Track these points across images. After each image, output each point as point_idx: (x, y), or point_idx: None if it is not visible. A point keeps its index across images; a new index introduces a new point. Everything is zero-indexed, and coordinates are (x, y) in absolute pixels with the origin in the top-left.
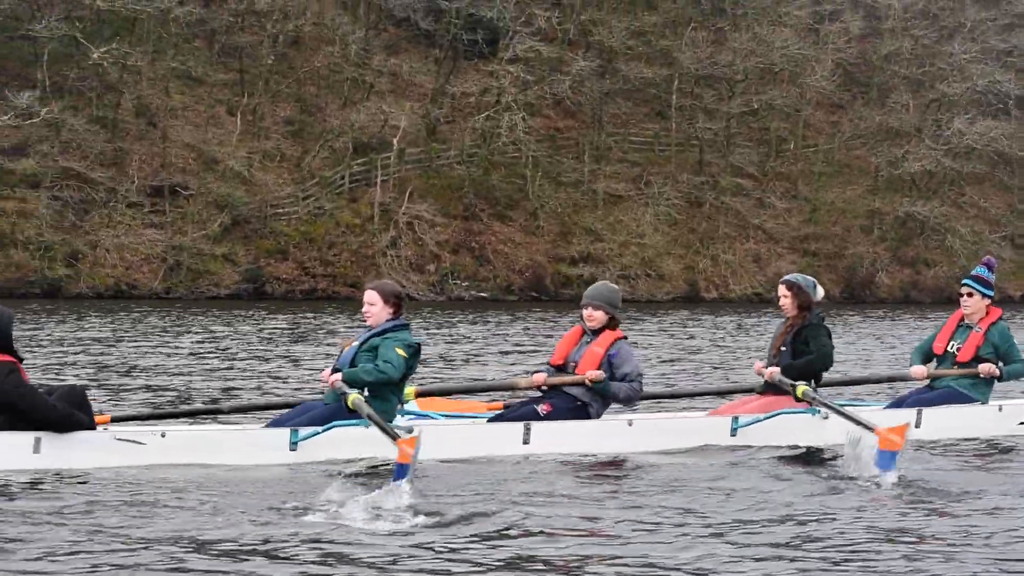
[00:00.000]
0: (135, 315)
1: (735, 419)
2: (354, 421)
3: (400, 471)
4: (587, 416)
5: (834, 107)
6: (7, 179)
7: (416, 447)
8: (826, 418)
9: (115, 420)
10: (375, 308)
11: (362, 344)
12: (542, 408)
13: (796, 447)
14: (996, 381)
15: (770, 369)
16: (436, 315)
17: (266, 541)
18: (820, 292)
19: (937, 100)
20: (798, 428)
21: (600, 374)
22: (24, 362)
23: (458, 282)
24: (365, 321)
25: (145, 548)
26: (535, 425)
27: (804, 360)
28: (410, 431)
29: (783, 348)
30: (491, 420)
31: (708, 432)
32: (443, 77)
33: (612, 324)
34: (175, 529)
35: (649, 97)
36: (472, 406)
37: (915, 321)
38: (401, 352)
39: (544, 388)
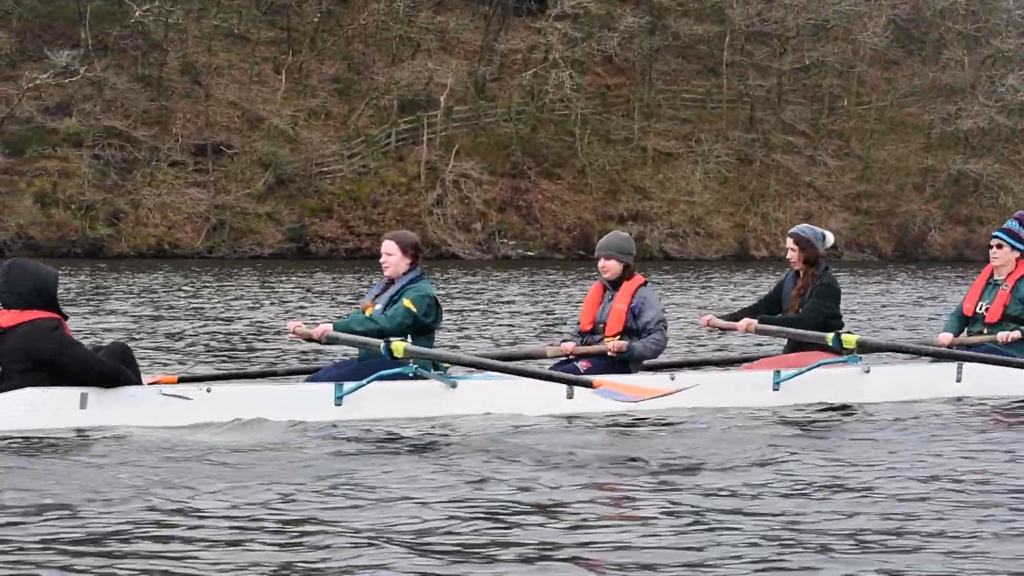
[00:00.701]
0: (177, 274)
1: (776, 373)
2: (398, 369)
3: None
4: (626, 371)
5: (887, 63)
6: (49, 138)
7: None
8: (867, 371)
9: (182, 380)
10: (393, 258)
11: (385, 308)
12: (582, 365)
13: (840, 402)
14: None
15: (746, 320)
16: (482, 273)
17: (305, 500)
18: (829, 240)
19: (991, 56)
20: (840, 380)
21: (622, 345)
22: (68, 319)
23: (505, 241)
24: (384, 271)
25: (188, 502)
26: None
27: (790, 318)
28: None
29: (800, 310)
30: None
31: (750, 387)
32: (491, 34)
33: (628, 273)
34: (219, 485)
35: (700, 54)
36: None
37: (967, 280)
38: (409, 304)
39: (572, 356)
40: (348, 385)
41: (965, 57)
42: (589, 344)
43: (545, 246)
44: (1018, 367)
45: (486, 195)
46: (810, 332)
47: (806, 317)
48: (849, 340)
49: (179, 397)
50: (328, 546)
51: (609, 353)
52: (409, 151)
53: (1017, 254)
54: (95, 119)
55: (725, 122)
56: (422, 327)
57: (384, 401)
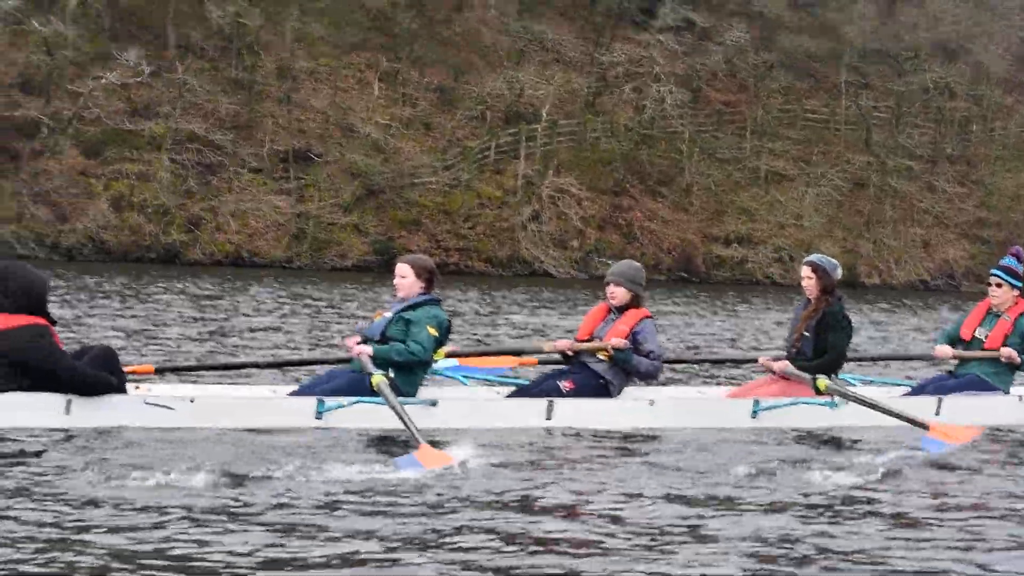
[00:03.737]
0: (252, 283)
1: (756, 402)
2: (379, 400)
3: (408, 463)
4: (608, 394)
5: (1012, 86)
6: (132, 140)
7: (437, 465)
8: (844, 406)
9: (159, 371)
10: (406, 281)
11: (395, 316)
12: (565, 385)
13: (815, 432)
14: (1018, 370)
15: (780, 363)
16: (577, 292)
17: (283, 505)
18: (839, 272)
19: None
20: (818, 416)
21: (624, 341)
22: (56, 325)
23: (603, 260)
24: (396, 293)
25: (168, 507)
26: (558, 402)
27: (814, 364)
28: (434, 448)
29: (806, 333)
30: (512, 395)
31: (729, 413)
32: (596, 46)
33: (635, 302)
34: (198, 490)
35: (813, 72)
36: (503, 361)
37: None
38: (433, 331)
39: (569, 354)
40: (330, 402)
41: None
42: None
43: (645, 266)
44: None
45: (585, 212)
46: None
47: (831, 359)
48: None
49: (162, 407)
50: (316, 552)
51: (610, 348)
52: (507, 163)
53: (1016, 292)
54: (175, 122)
55: (841, 144)
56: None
57: (365, 417)
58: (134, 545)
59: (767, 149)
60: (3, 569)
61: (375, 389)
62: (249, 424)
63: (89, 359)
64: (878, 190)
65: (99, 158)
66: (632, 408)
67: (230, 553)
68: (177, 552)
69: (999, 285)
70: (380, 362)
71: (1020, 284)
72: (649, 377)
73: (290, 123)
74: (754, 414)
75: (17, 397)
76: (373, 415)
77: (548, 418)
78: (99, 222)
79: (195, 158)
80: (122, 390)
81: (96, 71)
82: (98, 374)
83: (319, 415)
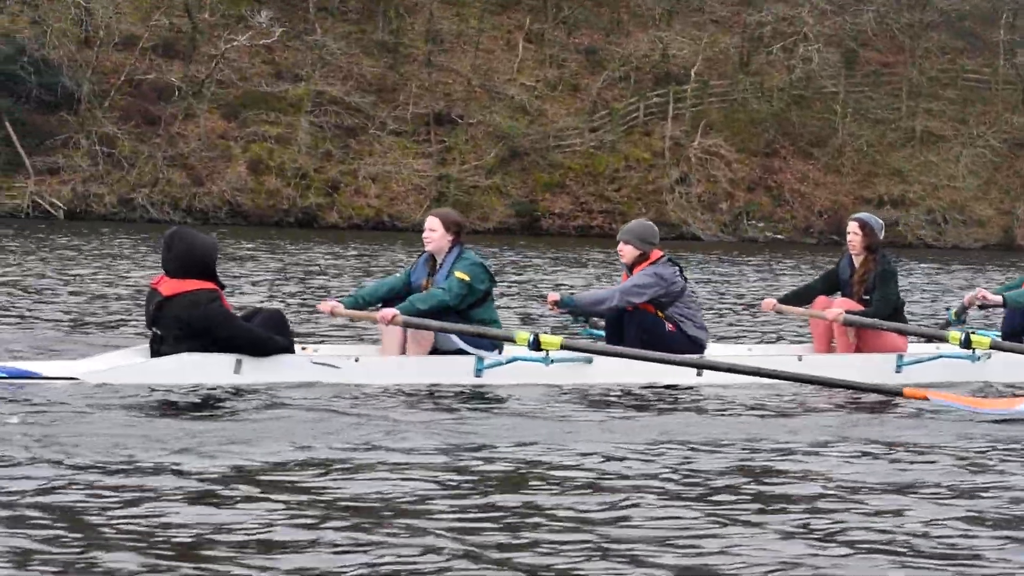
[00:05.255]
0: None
1: (900, 356)
2: (537, 357)
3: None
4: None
5: None
6: (272, 103)
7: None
8: (989, 358)
9: None
10: (435, 234)
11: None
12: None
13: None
14: None
15: (835, 310)
16: (726, 256)
17: (429, 456)
18: (883, 231)
19: None
20: (963, 369)
21: (555, 296)
22: (225, 289)
23: (753, 222)
24: (426, 246)
25: (326, 459)
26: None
27: (868, 315)
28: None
29: (865, 296)
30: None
31: (874, 368)
32: (748, 5)
33: (642, 259)
34: (359, 443)
35: (971, 31)
36: None
37: None
38: (461, 275)
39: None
40: (489, 359)
41: None
42: None
43: (795, 229)
44: None
45: (734, 174)
46: (918, 328)
47: (880, 309)
48: (982, 342)
49: (328, 366)
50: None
51: (548, 303)
52: (656, 125)
53: None
54: (315, 84)
55: (1000, 104)
56: (479, 294)
57: (521, 375)
58: (310, 496)
59: (923, 109)
60: (186, 528)
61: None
62: (411, 381)
63: (260, 321)
64: None
65: (238, 120)
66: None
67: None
68: (351, 505)
69: None
70: (412, 314)
71: None
72: (595, 303)
73: (434, 85)
74: (899, 368)
75: (191, 357)
76: (532, 372)
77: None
78: (235, 185)
79: (334, 121)
80: (290, 351)
81: (230, 34)
82: (269, 335)
83: (478, 373)
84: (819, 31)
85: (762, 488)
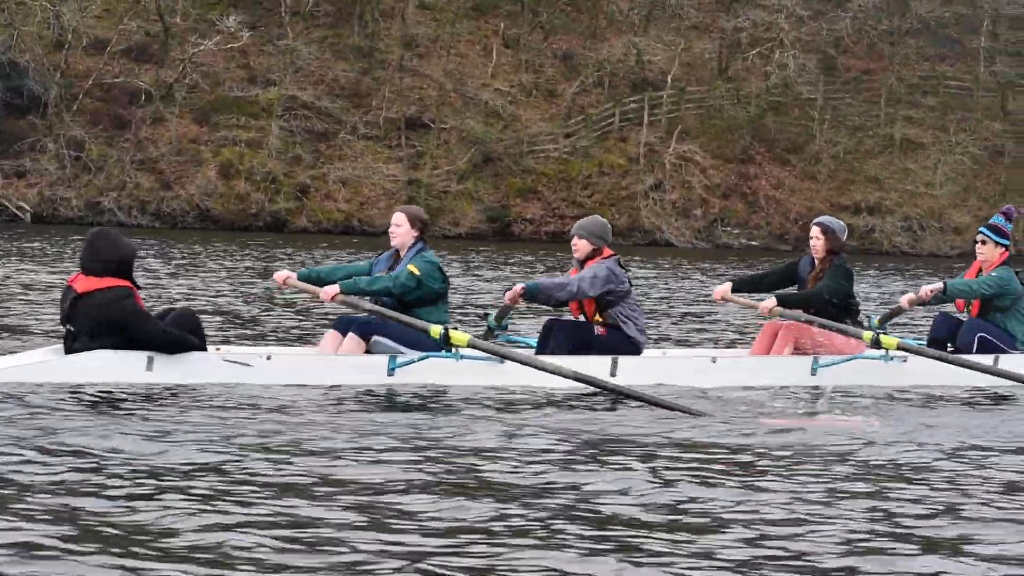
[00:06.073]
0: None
1: (815, 359)
2: (450, 355)
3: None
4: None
5: None
6: (243, 107)
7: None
8: (904, 361)
9: None
10: (401, 229)
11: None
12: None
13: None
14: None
15: (765, 302)
16: (698, 263)
17: (347, 452)
18: (845, 235)
19: None
20: (877, 372)
21: (518, 288)
22: (141, 289)
23: (727, 229)
24: (391, 241)
25: (243, 458)
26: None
27: (802, 294)
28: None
29: None
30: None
31: (790, 371)
32: (727, 11)
33: (595, 254)
34: (271, 441)
35: (946, 38)
36: None
37: None
38: (412, 269)
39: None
40: (402, 358)
41: None
42: None
43: (770, 236)
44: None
45: (709, 180)
46: (840, 325)
47: (817, 293)
48: (889, 343)
49: (240, 364)
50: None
51: (507, 298)
52: (630, 131)
53: (1001, 249)
54: (286, 88)
55: (980, 111)
56: (431, 293)
57: (435, 373)
58: (207, 493)
59: (902, 116)
60: (86, 522)
61: (458, 344)
62: (322, 382)
63: (172, 319)
64: (1014, 160)
65: (209, 124)
66: (695, 366)
67: (304, 509)
68: (255, 505)
69: (984, 242)
70: (349, 294)
71: (1006, 242)
72: (553, 289)
73: (407, 90)
74: (814, 371)
75: (102, 354)
76: (446, 370)
77: (613, 375)
78: (205, 189)
79: (305, 125)
80: (203, 349)
81: (197, 39)
82: (181, 334)
83: (391, 372)
84: (796, 37)
85: (674, 491)
